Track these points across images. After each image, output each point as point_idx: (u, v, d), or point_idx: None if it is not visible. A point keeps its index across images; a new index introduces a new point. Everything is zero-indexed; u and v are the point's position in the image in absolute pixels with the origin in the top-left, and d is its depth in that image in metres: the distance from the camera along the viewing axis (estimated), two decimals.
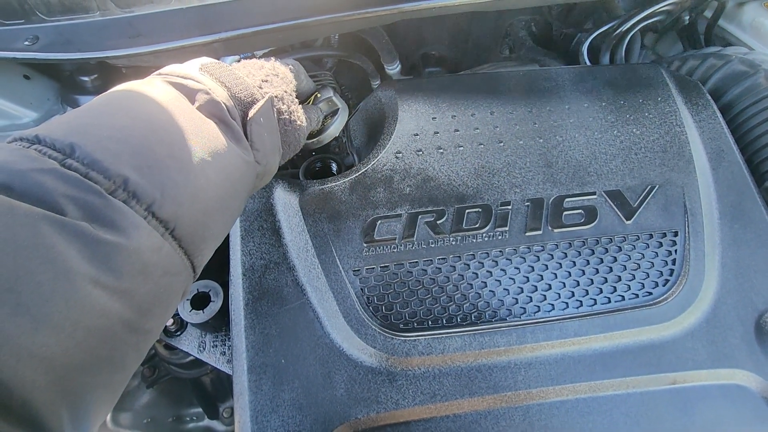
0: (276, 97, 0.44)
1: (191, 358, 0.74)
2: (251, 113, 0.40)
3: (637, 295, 0.53)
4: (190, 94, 0.36)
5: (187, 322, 0.68)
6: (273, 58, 0.50)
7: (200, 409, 0.84)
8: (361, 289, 0.53)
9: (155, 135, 0.31)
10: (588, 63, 0.81)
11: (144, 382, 0.82)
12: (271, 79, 0.46)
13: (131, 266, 0.27)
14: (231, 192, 0.36)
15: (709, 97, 0.65)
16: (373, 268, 0.53)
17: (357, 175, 0.57)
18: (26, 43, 0.61)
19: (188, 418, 0.85)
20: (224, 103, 0.38)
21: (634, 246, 0.55)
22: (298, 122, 0.47)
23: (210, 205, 0.33)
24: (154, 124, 0.32)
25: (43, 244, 0.24)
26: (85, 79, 0.73)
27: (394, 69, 0.97)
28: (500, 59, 1.06)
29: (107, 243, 0.26)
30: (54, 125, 0.30)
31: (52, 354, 0.23)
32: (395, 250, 0.54)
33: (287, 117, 0.46)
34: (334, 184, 0.57)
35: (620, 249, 0.55)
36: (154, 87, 0.35)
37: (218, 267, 0.83)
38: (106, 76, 0.74)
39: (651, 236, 0.55)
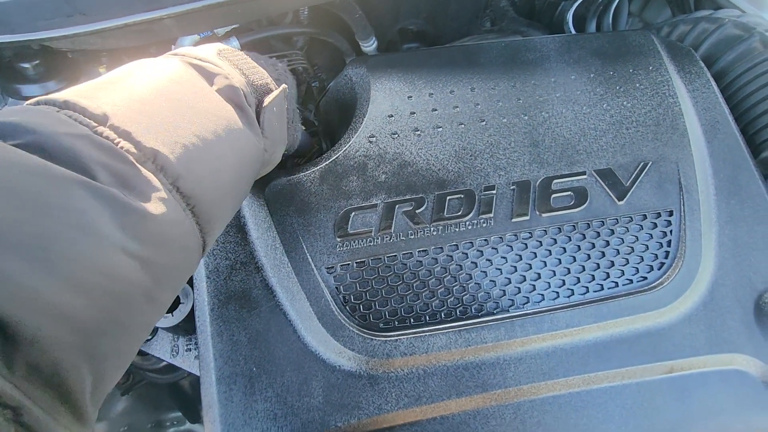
0: (287, 90, 0.46)
1: (165, 362, 0.69)
2: (267, 101, 0.41)
3: (631, 281, 0.50)
4: (209, 77, 0.37)
5: (157, 327, 0.64)
6: (281, 61, 0.51)
7: (180, 414, 0.80)
8: (336, 287, 0.48)
9: (181, 113, 0.32)
10: (573, 32, 0.76)
11: (118, 389, 0.78)
12: (282, 78, 0.47)
13: (155, 236, 0.28)
14: (243, 175, 0.38)
15: (702, 65, 0.61)
16: (348, 264, 0.49)
17: (327, 163, 0.52)
18: None
19: (168, 423, 0.82)
20: (242, 89, 0.39)
21: (627, 228, 0.51)
22: (299, 122, 0.50)
23: (226, 186, 0.35)
24: (180, 102, 0.33)
25: (76, 208, 0.24)
26: (26, 65, 0.66)
27: (369, 46, 0.91)
28: (482, 32, 1.00)
29: (136, 211, 0.26)
30: (82, 93, 0.30)
31: (80, 316, 0.23)
32: (371, 244, 0.50)
33: (291, 115, 0.48)
34: (302, 174, 0.52)
35: (612, 232, 0.51)
36: (176, 66, 0.36)
37: None
38: (50, 62, 0.67)
39: (645, 217, 0.52)
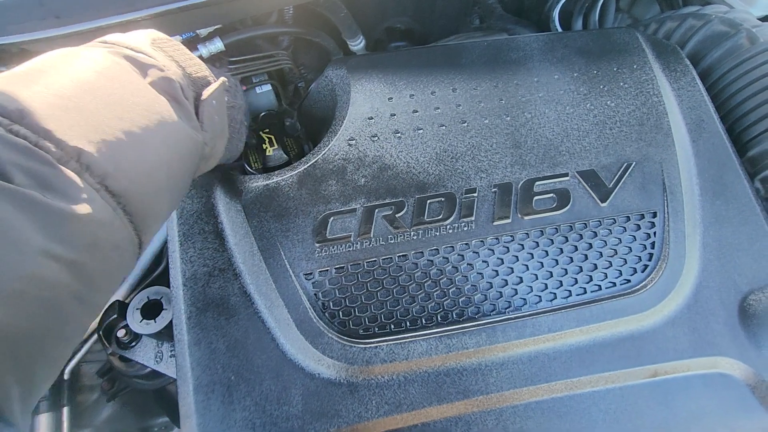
0: (227, 83, 0.44)
1: (150, 368, 0.69)
2: (205, 94, 0.39)
3: (614, 284, 0.49)
4: (141, 68, 0.35)
5: (141, 333, 0.63)
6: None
7: (167, 419, 0.80)
8: (315, 294, 0.48)
9: (109, 108, 0.31)
10: (559, 29, 0.75)
11: (104, 395, 0.77)
12: (232, 89, 0.47)
13: (82, 238, 0.26)
14: (181, 171, 0.36)
15: (688, 62, 0.60)
16: (327, 270, 0.48)
17: (306, 167, 0.51)
18: None
19: (156, 429, 0.81)
20: (178, 81, 0.37)
21: (610, 230, 0.51)
22: (241, 118, 0.47)
23: (160, 183, 0.33)
24: (108, 97, 0.31)
25: None
26: (2, 69, 0.64)
27: (357, 45, 0.90)
28: (470, 29, 0.99)
29: (59, 213, 0.25)
30: None
31: (4, 325, 0.22)
32: (351, 249, 0.49)
33: (238, 126, 0.46)
34: (280, 178, 0.51)
35: (596, 234, 0.51)
36: (103, 57, 0.34)
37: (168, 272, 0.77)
38: None
39: (628, 219, 0.51)
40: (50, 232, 0.25)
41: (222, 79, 0.42)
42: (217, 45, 0.77)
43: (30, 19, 0.55)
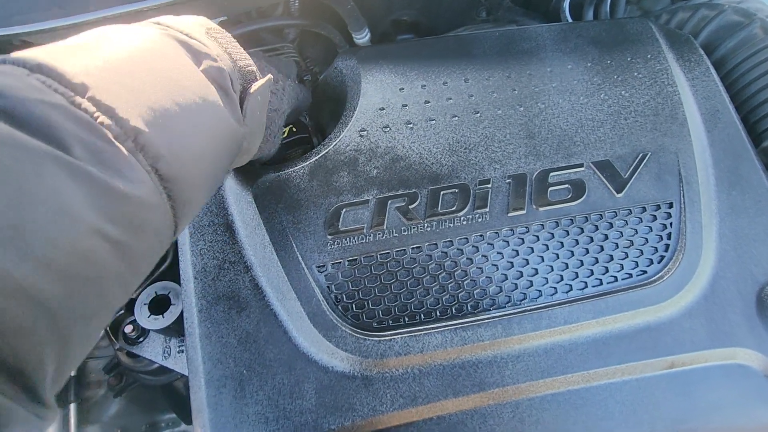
0: (274, 83, 0.44)
1: (158, 364, 0.68)
2: (253, 88, 0.39)
3: (630, 275, 0.49)
4: (195, 55, 0.35)
5: (149, 329, 0.63)
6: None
7: (175, 415, 0.79)
8: (328, 286, 0.47)
9: (164, 89, 0.30)
10: (570, 21, 0.74)
11: (111, 391, 0.77)
12: (282, 81, 0.47)
13: (133, 219, 0.26)
14: (222, 161, 0.36)
15: (702, 52, 0.60)
16: (340, 262, 0.48)
17: (317, 158, 0.51)
18: None
19: (163, 425, 0.80)
20: (228, 73, 0.37)
21: (626, 221, 0.50)
22: (281, 123, 0.47)
23: (204, 171, 0.33)
24: (163, 78, 0.31)
25: (49, 185, 0.23)
26: None
27: (362, 38, 0.89)
28: (477, 22, 0.98)
29: (114, 191, 0.25)
30: (56, 56, 0.27)
31: (50, 300, 0.22)
32: (363, 241, 0.48)
33: (275, 111, 0.45)
34: (291, 170, 0.50)
35: (611, 225, 0.50)
36: (158, 38, 0.33)
37: (176, 266, 0.77)
38: None
39: (644, 209, 0.51)
40: (104, 209, 0.24)
41: (269, 76, 0.42)
42: None
43: (34, 9, 0.54)
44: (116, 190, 0.25)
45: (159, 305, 0.59)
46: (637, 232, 0.50)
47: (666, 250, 0.49)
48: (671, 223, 0.50)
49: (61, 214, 0.23)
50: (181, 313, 0.55)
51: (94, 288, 0.25)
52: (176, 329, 0.60)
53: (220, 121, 0.35)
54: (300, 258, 0.47)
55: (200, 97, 0.33)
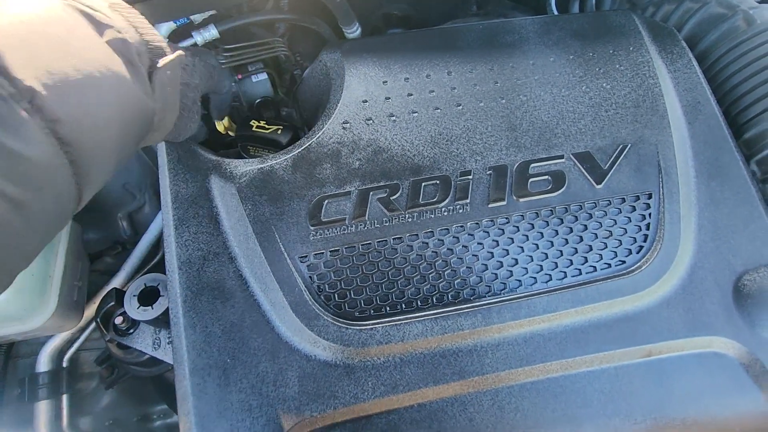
0: (184, 59, 0.43)
1: (148, 355, 0.69)
2: (161, 62, 0.39)
3: (609, 265, 0.49)
4: (98, 26, 0.34)
5: (138, 320, 0.63)
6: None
7: (166, 406, 0.80)
8: (310, 277, 0.48)
9: (63, 57, 0.30)
10: (556, 13, 0.74)
11: (102, 383, 0.78)
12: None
13: (29, 179, 0.26)
14: (130, 134, 0.36)
15: (684, 45, 0.60)
16: (322, 253, 0.48)
17: (300, 150, 0.51)
18: None
19: (155, 416, 0.81)
20: (134, 46, 0.36)
21: (605, 212, 0.51)
22: (195, 97, 0.46)
23: (109, 141, 0.33)
24: (63, 44, 0.30)
25: None
26: None
27: (353, 32, 0.89)
28: (467, 16, 0.98)
29: (11, 151, 0.25)
30: None
31: None
32: (345, 232, 0.49)
33: (187, 86, 0.44)
34: (274, 162, 0.51)
35: (591, 216, 0.51)
36: (61, 9, 0.33)
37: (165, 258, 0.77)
38: None
39: (623, 200, 0.51)
40: (2, 169, 0.25)
41: (179, 52, 0.41)
42: (212, 32, 0.77)
43: None
44: (11, 149, 0.25)
45: (148, 297, 0.59)
46: (616, 223, 0.51)
47: (644, 241, 0.50)
48: (650, 214, 0.51)
49: None
50: None
51: None
52: (165, 320, 0.61)
53: (127, 92, 0.34)
54: (283, 249, 0.48)
55: (104, 66, 0.32)
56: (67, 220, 0.32)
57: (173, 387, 0.80)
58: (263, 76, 0.91)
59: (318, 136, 0.52)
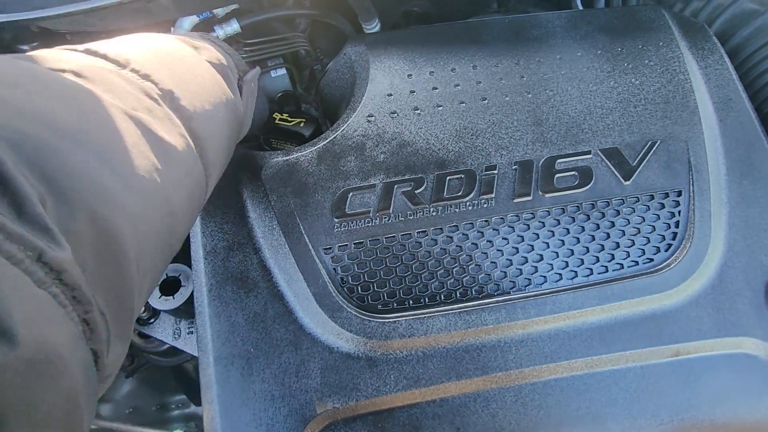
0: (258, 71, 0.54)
1: (168, 345, 0.70)
2: (248, 76, 0.48)
3: (636, 263, 0.49)
4: (200, 51, 0.42)
5: (159, 309, 0.64)
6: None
7: (185, 396, 0.81)
8: (334, 268, 0.48)
9: (185, 70, 0.36)
10: (581, 8, 0.73)
11: (123, 371, 0.79)
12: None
13: (176, 166, 0.30)
14: (232, 136, 0.42)
15: (716, 40, 0.59)
16: (346, 245, 0.48)
17: (325, 143, 0.51)
18: None
19: (173, 406, 0.82)
20: (228, 65, 0.44)
21: (633, 209, 0.50)
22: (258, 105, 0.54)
23: (222, 140, 0.38)
24: (183, 62, 0.37)
25: (121, 127, 0.26)
26: (25, 48, 0.65)
27: (372, 29, 0.89)
28: (488, 13, 0.97)
29: (161, 139, 0.29)
30: (100, 45, 0.32)
31: (138, 218, 0.25)
32: (370, 224, 0.49)
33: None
34: (299, 154, 0.51)
35: (618, 213, 0.50)
36: (173, 39, 0.41)
37: (187, 249, 0.78)
38: (48, 44, 0.66)
39: (652, 197, 0.50)
40: (156, 152, 0.28)
41: (257, 68, 0.53)
42: (234, 26, 0.77)
43: None
44: (163, 139, 0.29)
45: (170, 287, 0.60)
46: (644, 220, 0.50)
47: (673, 239, 0.49)
48: (679, 212, 0.50)
49: (132, 150, 0.26)
50: (192, 294, 0.56)
51: (160, 216, 0.28)
52: (186, 310, 0.61)
53: (230, 101, 0.41)
54: (307, 240, 0.48)
55: (212, 79, 0.39)
56: (197, 213, 0.36)
57: (192, 377, 0.81)
58: (282, 71, 0.92)
59: (343, 128, 0.52)
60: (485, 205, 0.50)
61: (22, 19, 0.54)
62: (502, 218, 0.49)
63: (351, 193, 0.49)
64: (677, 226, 0.49)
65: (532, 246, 0.49)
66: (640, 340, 0.47)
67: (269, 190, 0.50)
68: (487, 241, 0.49)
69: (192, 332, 0.66)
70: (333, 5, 0.86)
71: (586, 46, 0.57)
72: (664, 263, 0.48)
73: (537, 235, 0.49)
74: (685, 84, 0.55)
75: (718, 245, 0.49)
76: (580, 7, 0.77)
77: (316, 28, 0.92)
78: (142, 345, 0.72)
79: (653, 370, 0.46)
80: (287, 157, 0.51)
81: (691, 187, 0.51)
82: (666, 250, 0.49)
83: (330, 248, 0.48)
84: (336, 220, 0.49)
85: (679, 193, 0.50)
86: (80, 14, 0.55)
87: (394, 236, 0.48)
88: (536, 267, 0.49)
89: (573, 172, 0.51)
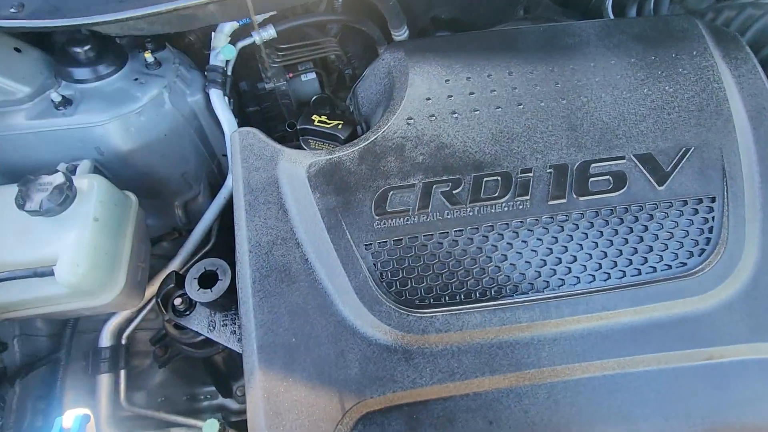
0: None
1: (202, 337, 0.72)
2: None
3: (670, 266, 0.49)
4: None
5: (196, 302, 0.67)
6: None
7: (214, 388, 0.84)
8: (374, 264, 0.50)
9: None
10: (612, 18, 0.75)
11: (156, 361, 0.82)
12: None
13: None
14: None
15: (749, 50, 0.60)
16: (386, 241, 0.50)
17: (366, 143, 0.53)
18: (12, 10, 0.58)
19: (202, 397, 0.85)
20: None
21: (666, 213, 0.51)
22: None
23: None
24: None
25: None
26: (78, 50, 0.69)
27: (401, 34, 0.91)
28: (515, 20, 0.99)
29: None
30: None
31: None
32: (409, 222, 0.51)
33: None
34: (342, 153, 0.53)
35: (651, 217, 0.51)
36: None
37: (226, 245, 0.81)
38: (100, 46, 0.70)
39: (685, 203, 0.51)
40: None
41: None
42: (270, 32, 0.80)
43: (109, 1, 0.58)
44: None
45: (208, 280, 0.62)
46: (677, 225, 0.51)
47: (707, 244, 0.50)
48: (713, 217, 0.51)
49: None
50: (228, 288, 0.59)
51: None
52: (222, 304, 0.63)
53: None
54: (349, 236, 0.50)
55: None
56: None
57: (221, 370, 0.83)
58: (312, 75, 0.95)
59: (383, 130, 0.54)
60: (521, 207, 0.51)
61: (82, 23, 0.58)
62: (536, 219, 0.51)
63: (391, 192, 0.51)
64: (711, 232, 0.50)
65: (566, 247, 0.50)
66: (672, 343, 0.47)
67: (313, 188, 0.52)
68: (522, 241, 0.50)
69: (226, 324, 0.69)
70: (363, 11, 0.89)
71: (620, 54, 0.58)
72: (698, 267, 0.49)
73: (571, 236, 0.50)
74: (719, 92, 0.56)
75: (752, 251, 0.49)
76: (611, 14, 0.78)
77: (345, 34, 0.95)
78: (177, 336, 0.74)
79: (686, 373, 0.47)
80: (330, 157, 0.53)
81: (725, 193, 0.51)
82: (699, 255, 0.50)
83: (370, 244, 0.50)
84: (377, 217, 0.51)
85: (713, 199, 0.51)
86: (135, 19, 0.58)
87: (432, 234, 0.50)
88: (570, 268, 0.50)
89: (607, 177, 0.52)
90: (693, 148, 0.53)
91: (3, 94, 0.67)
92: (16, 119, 0.68)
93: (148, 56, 0.72)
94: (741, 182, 0.52)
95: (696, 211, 0.51)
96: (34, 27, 0.57)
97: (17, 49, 0.69)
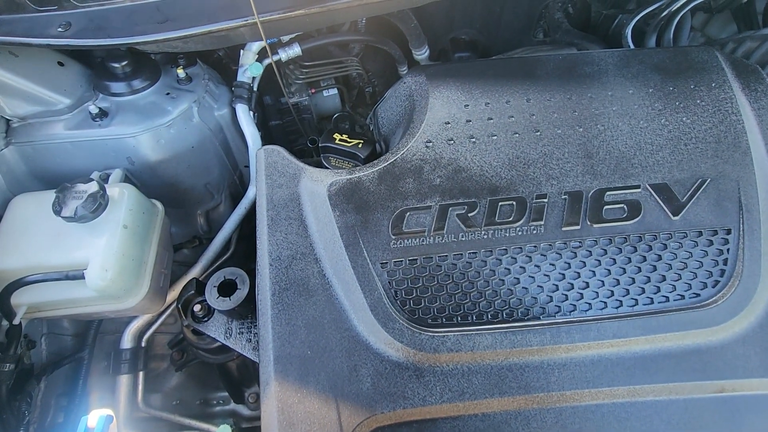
0: None
1: (218, 344, 0.74)
2: None
3: (683, 297, 0.50)
4: None
5: (214, 309, 0.69)
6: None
7: (226, 393, 0.85)
8: (389, 282, 0.51)
9: None
10: (632, 47, 0.76)
11: (173, 365, 0.84)
12: None
13: None
14: None
15: None
16: (401, 260, 0.52)
17: (386, 164, 0.55)
18: (59, 29, 0.62)
19: (215, 402, 0.87)
20: None
21: (681, 244, 0.51)
22: None
23: None
24: None
25: None
26: (116, 65, 0.73)
27: (422, 54, 0.94)
28: (534, 43, 1.01)
29: None
30: None
31: None
32: (424, 243, 0.52)
33: None
34: (362, 173, 0.55)
35: (665, 246, 0.51)
36: None
37: (244, 254, 0.84)
38: (136, 62, 0.74)
39: (700, 233, 0.52)
40: None
41: None
42: (296, 50, 0.84)
43: (151, 21, 0.62)
44: None
45: (227, 288, 0.65)
46: (692, 256, 0.51)
47: (721, 275, 0.50)
48: (728, 249, 0.51)
49: None
50: (246, 297, 0.61)
51: None
52: (239, 312, 0.66)
53: None
54: (366, 254, 0.52)
55: None
56: None
57: (235, 376, 0.85)
58: (334, 91, 0.98)
59: (402, 152, 0.56)
60: (534, 232, 0.52)
61: (125, 43, 0.62)
62: (550, 245, 0.52)
63: (408, 213, 0.53)
64: (725, 264, 0.50)
65: (578, 273, 0.51)
66: (683, 373, 0.47)
67: (333, 206, 0.54)
68: (535, 265, 0.51)
69: (242, 332, 0.71)
70: (385, 31, 0.92)
71: (638, 84, 0.59)
72: (711, 299, 0.49)
73: (584, 263, 0.51)
74: (737, 125, 0.56)
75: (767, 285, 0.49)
76: (631, 43, 0.79)
77: (367, 53, 0.98)
78: (195, 341, 0.77)
79: (696, 404, 0.47)
80: (350, 176, 0.55)
81: (741, 225, 0.52)
82: (713, 287, 0.50)
83: (386, 263, 0.52)
84: (393, 237, 0.52)
85: (729, 231, 0.51)
86: (172, 40, 0.62)
87: (446, 255, 0.52)
88: (582, 294, 0.50)
89: (622, 205, 0.53)
90: (709, 180, 0.53)
91: (45, 104, 0.71)
92: (55, 129, 0.72)
93: (181, 72, 0.76)
94: (758, 215, 0.52)
95: (711, 243, 0.51)
96: (79, 45, 0.61)
97: (60, 63, 0.73)
